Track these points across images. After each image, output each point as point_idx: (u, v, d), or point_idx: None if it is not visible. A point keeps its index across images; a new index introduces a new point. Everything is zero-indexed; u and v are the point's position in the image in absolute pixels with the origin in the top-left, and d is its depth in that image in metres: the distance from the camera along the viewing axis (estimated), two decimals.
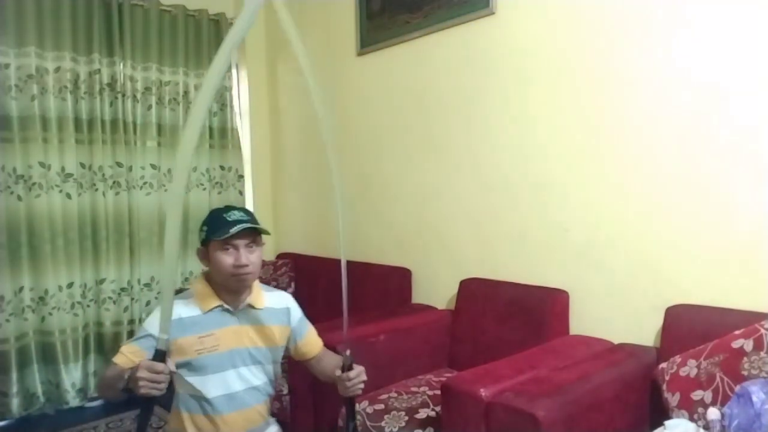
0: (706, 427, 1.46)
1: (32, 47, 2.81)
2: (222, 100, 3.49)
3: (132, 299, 3.16)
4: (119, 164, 3.10)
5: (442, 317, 2.49)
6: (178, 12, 3.30)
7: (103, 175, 3.06)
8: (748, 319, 1.57)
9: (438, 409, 1.82)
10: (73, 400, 2.96)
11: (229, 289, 1.49)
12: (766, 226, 1.69)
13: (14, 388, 2.79)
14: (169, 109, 3.29)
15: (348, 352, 1.41)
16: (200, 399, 1.46)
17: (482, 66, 2.43)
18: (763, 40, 1.67)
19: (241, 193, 3.59)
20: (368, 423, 1.88)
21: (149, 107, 3.20)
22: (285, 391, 2.28)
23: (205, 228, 1.49)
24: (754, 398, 1.34)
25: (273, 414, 1.66)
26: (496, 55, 2.37)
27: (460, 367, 2.24)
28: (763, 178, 1.69)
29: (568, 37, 2.13)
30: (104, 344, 3.09)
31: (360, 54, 3.00)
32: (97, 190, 3.04)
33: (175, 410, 1.50)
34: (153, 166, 3.23)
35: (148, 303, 3.23)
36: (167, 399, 1.38)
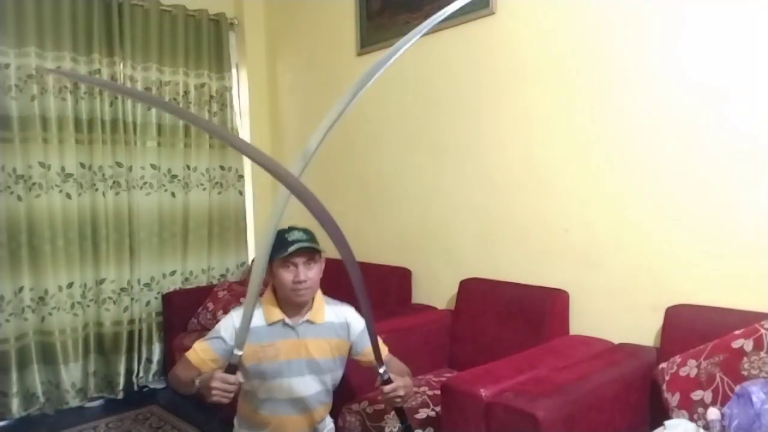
0: (706, 427, 1.46)
1: (32, 47, 2.81)
2: (222, 100, 3.50)
3: (132, 299, 3.16)
4: (119, 164, 3.11)
5: (442, 317, 2.49)
6: (178, 12, 3.30)
7: (103, 175, 3.06)
8: (748, 319, 1.58)
9: (438, 409, 1.82)
10: (72, 400, 2.96)
11: (290, 302, 1.62)
12: (766, 226, 1.69)
13: (14, 388, 2.79)
14: None
15: (382, 370, 1.50)
16: (260, 400, 1.62)
17: (482, 66, 2.43)
18: (763, 40, 1.67)
19: (241, 193, 3.59)
20: (368, 423, 1.88)
21: (149, 107, 3.20)
22: None
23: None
24: (754, 398, 1.34)
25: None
26: (496, 55, 2.37)
27: (460, 367, 2.24)
28: (763, 177, 1.69)
29: (568, 37, 2.13)
30: (104, 344, 3.09)
31: (360, 54, 3.00)
32: (97, 190, 3.04)
33: (243, 401, 1.68)
34: (153, 166, 3.23)
35: (148, 303, 3.23)
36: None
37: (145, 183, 3.20)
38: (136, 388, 3.18)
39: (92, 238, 3.05)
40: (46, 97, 2.87)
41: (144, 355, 3.21)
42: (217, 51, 3.48)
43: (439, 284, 2.66)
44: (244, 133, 3.67)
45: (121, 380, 3.11)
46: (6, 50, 2.77)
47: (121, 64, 3.10)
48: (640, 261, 1.97)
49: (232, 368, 1.41)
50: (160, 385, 3.26)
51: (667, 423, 1.49)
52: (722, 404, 1.45)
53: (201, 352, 1.57)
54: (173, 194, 3.32)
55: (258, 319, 1.61)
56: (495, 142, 2.40)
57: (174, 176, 3.32)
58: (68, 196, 2.95)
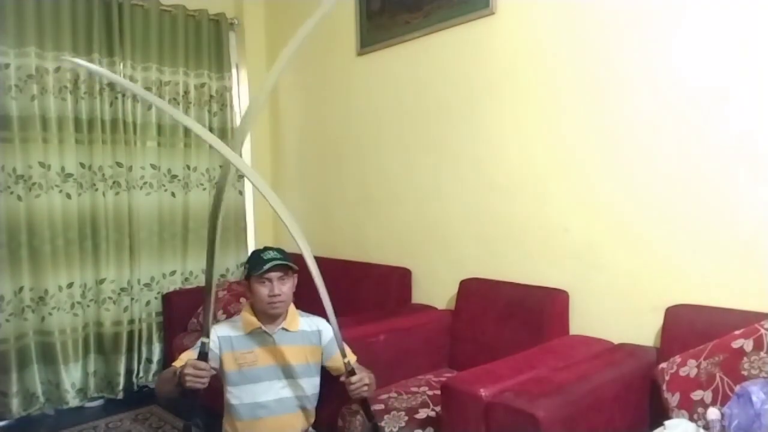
0: (706, 427, 1.46)
1: (32, 47, 2.81)
2: (222, 100, 3.50)
3: (132, 299, 3.16)
4: (119, 164, 3.10)
5: (442, 317, 2.49)
6: (178, 12, 3.30)
7: (103, 175, 3.06)
8: (748, 319, 1.57)
9: (438, 409, 1.82)
10: (72, 400, 2.96)
11: (266, 314, 1.78)
12: (765, 225, 1.69)
13: (14, 388, 2.79)
14: None
15: (347, 360, 1.63)
16: (241, 405, 1.75)
17: (482, 66, 2.43)
18: (763, 40, 1.67)
19: (241, 193, 3.59)
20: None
21: (149, 107, 3.20)
22: None
23: (246, 266, 1.82)
24: (754, 398, 1.34)
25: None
26: (496, 55, 2.37)
27: (460, 367, 2.25)
28: (762, 177, 1.69)
29: (568, 37, 2.13)
30: (104, 344, 3.09)
31: (360, 54, 3.00)
32: (97, 190, 3.04)
33: (226, 414, 1.81)
34: (153, 166, 3.22)
35: (147, 303, 3.23)
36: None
37: (145, 183, 3.20)
38: (136, 388, 3.18)
39: (92, 238, 3.04)
40: (46, 97, 2.87)
41: (144, 355, 3.21)
42: (217, 51, 3.48)
43: (439, 284, 2.66)
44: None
45: (121, 380, 3.11)
46: (6, 50, 2.76)
47: (121, 64, 3.10)
48: (640, 261, 1.97)
49: (203, 355, 1.58)
50: None
51: (667, 423, 1.48)
52: (722, 404, 1.45)
53: (183, 356, 1.74)
54: (173, 194, 3.32)
55: (237, 329, 1.80)
56: (495, 142, 2.40)
57: (174, 176, 3.32)
58: (68, 196, 2.95)
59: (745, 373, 1.46)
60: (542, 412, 1.40)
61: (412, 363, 2.30)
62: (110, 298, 3.08)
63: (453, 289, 2.52)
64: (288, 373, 1.79)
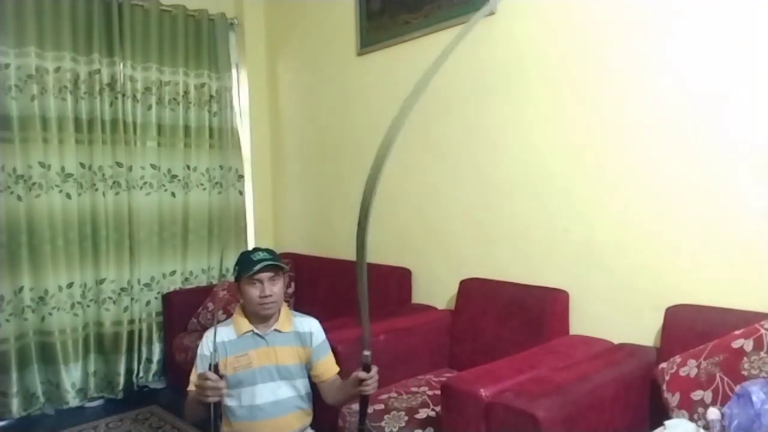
0: (706, 427, 1.46)
1: (32, 47, 2.81)
2: (222, 100, 3.50)
3: (132, 299, 3.16)
4: (119, 164, 3.11)
5: (442, 317, 2.49)
6: (178, 12, 3.30)
7: (103, 175, 3.06)
8: (748, 319, 1.57)
9: (438, 409, 1.82)
10: (72, 400, 2.96)
11: (258, 316, 1.75)
12: (765, 225, 1.69)
13: (14, 388, 2.79)
14: (169, 110, 3.29)
15: (368, 353, 1.53)
16: (238, 408, 1.73)
17: (482, 66, 2.43)
18: (763, 41, 1.67)
19: (241, 193, 3.59)
20: (368, 423, 1.88)
21: (149, 107, 3.21)
22: None
23: (236, 267, 1.77)
24: (754, 398, 1.34)
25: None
26: (496, 55, 2.37)
27: (460, 367, 2.25)
28: (763, 177, 1.69)
29: (568, 37, 2.13)
30: (104, 344, 3.09)
31: (360, 54, 3.00)
32: (97, 190, 3.05)
33: (224, 418, 1.79)
34: (153, 166, 3.23)
35: (148, 303, 3.23)
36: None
37: (145, 183, 3.21)
38: (136, 388, 3.19)
39: (92, 238, 3.05)
40: (46, 97, 2.87)
41: (144, 355, 3.21)
42: (217, 51, 3.48)
43: (439, 284, 2.66)
44: (244, 133, 3.68)
45: (121, 380, 3.11)
46: (6, 50, 2.77)
47: (121, 64, 3.10)
48: (640, 261, 1.97)
49: (212, 368, 1.53)
50: (160, 385, 3.26)
51: (667, 423, 1.48)
52: (722, 404, 1.45)
53: (193, 377, 1.69)
54: (173, 194, 3.32)
55: (229, 333, 1.77)
56: (495, 142, 2.40)
57: (174, 176, 3.32)
58: (68, 196, 2.95)
59: (745, 373, 1.46)
60: (542, 412, 1.40)
61: (412, 363, 2.30)
62: (110, 298, 3.09)
63: (453, 289, 2.52)
64: (283, 374, 1.77)
